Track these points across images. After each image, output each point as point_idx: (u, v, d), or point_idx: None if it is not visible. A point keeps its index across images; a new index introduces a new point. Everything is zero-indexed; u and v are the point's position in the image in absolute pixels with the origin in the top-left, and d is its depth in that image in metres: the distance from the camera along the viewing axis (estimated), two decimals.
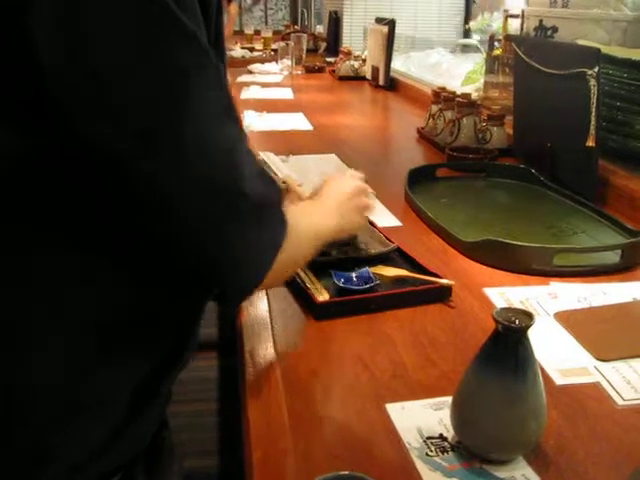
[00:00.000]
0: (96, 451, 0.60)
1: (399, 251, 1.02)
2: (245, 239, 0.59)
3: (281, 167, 1.49)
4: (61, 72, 0.46)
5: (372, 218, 1.07)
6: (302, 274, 0.92)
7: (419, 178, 1.42)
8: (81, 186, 0.52)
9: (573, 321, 0.87)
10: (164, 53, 0.48)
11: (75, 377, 0.57)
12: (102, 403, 0.60)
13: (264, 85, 3.03)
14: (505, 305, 0.88)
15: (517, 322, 0.56)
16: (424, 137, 1.94)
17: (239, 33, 5.25)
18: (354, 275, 0.92)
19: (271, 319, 0.85)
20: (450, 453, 0.60)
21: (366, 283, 0.90)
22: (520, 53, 1.53)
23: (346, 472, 0.53)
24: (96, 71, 0.46)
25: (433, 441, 0.62)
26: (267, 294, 0.90)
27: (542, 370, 0.62)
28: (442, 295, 0.91)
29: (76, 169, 0.51)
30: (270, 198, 0.63)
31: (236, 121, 0.58)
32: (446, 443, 0.61)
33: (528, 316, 0.57)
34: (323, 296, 0.88)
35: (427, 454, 0.60)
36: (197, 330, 0.71)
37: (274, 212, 0.64)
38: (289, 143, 1.86)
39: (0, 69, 0.46)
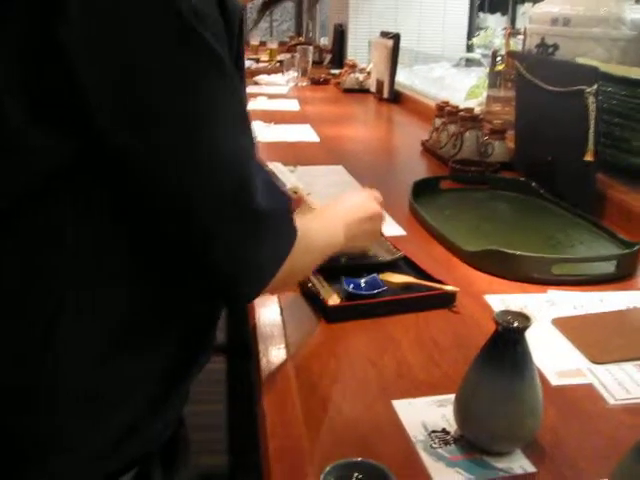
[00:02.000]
0: (115, 444, 0.61)
1: (405, 259, 1.04)
2: (252, 247, 0.60)
3: (289, 177, 1.51)
4: (106, 103, 0.50)
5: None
6: (314, 278, 0.94)
7: (423, 189, 1.43)
8: (114, 191, 0.55)
9: (570, 327, 0.89)
10: (198, 79, 0.53)
11: (97, 369, 0.58)
12: (122, 397, 0.61)
13: (271, 96, 3.07)
14: None
15: (515, 323, 0.60)
16: (428, 150, 1.96)
17: (244, 44, 5.26)
18: (363, 281, 0.94)
19: (283, 321, 0.87)
20: (452, 445, 0.63)
21: (374, 289, 0.92)
22: (522, 69, 1.56)
23: (358, 459, 0.57)
24: (140, 101, 0.51)
25: (437, 434, 0.65)
26: (279, 298, 0.91)
27: (539, 371, 0.65)
28: (446, 301, 0.93)
29: (106, 175, 0.54)
30: (279, 209, 0.64)
31: (250, 134, 0.60)
32: (449, 436, 0.64)
33: (526, 318, 0.61)
34: (334, 300, 0.90)
35: (431, 446, 0.63)
36: (213, 332, 0.73)
37: (283, 222, 0.65)
38: (296, 154, 1.88)
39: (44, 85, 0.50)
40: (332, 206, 0.90)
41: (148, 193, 0.55)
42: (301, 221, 0.68)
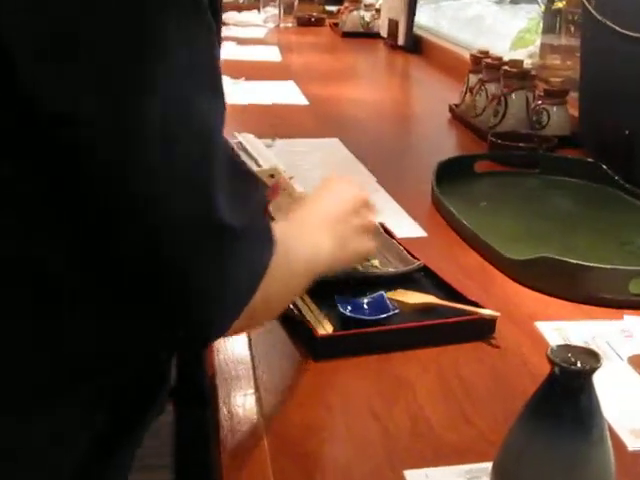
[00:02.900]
0: None
1: (425, 270, 1.04)
2: (215, 264, 0.61)
3: (265, 154, 1.51)
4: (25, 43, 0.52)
5: (389, 226, 1.11)
6: (297, 298, 0.93)
7: (451, 174, 1.43)
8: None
9: None
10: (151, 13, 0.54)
11: (35, 409, 0.62)
12: (58, 442, 0.64)
13: (242, 42, 3.08)
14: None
15: (579, 364, 0.59)
16: (458, 118, 2.00)
17: None
18: (365, 301, 0.94)
19: (253, 357, 0.87)
20: None
21: (381, 312, 0.92)
22: (589, 8, 1.55)
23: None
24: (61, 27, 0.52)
25: None
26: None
27: (610, 429, 0.64)
28: (481, 330, 0.94)
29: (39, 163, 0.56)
30: (253, 213, 0.66)
31: (220, 98, 0.61)
32: None
33: (593, 356, 0.59)
34: (324, 328, 0.89)
35: None
36: (167, 374, 0.76)
37: (257, 232, 0.67)
38: (276, 122, 1.91)
39: None
40: (301, 209, 0.92)
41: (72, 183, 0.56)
42: (279, 232, 0.70)
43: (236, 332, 0.76)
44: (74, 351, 0.63)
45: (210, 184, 0.58)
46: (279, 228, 0.70)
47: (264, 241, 0.67)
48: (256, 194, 0.68)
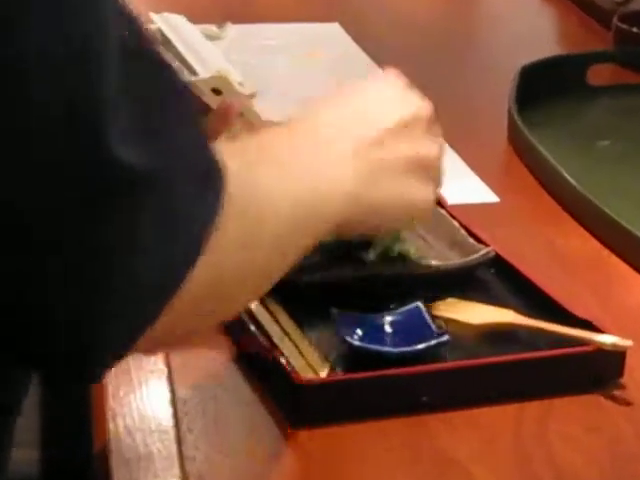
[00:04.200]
0: None
1: (497, 264, 0.86)
2: (112, 247, 0.52)
3: (207, 53, 1.27)
4: None
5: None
6: (263, 314, 0.79)
7: (545, 88, 1.21)
8: None
9: None
10: None
11: None
12: None
13: None
14: None
15: None
16: None
17: None
18: (388, 320, 0.78)
19: (178, 424, 0.70)
20: None
21: (418, 340, 0.75)
22: None
23: None
24: None
25: None
26: (168, 363, 0.75)
27: None
28: (599, 372, 0.76)
29: None
30: (174, 142, 0.56)
31: None
32: None
33: None
34: (313, 370, 0.74)
35: None
36: (6, 450, 0.70)
37: (183, 170, 0.56)
38: None
39: None
40: (316, 114, 0.76)
41: None
42: (241, 159, 0.61)
43: (160, 348, 0.70)
44: None
45: (96, 111, 0.50)
46: (241, 162, 0.61)
47: (203, 189, 0.56)
48: (189, 119, 0.59)
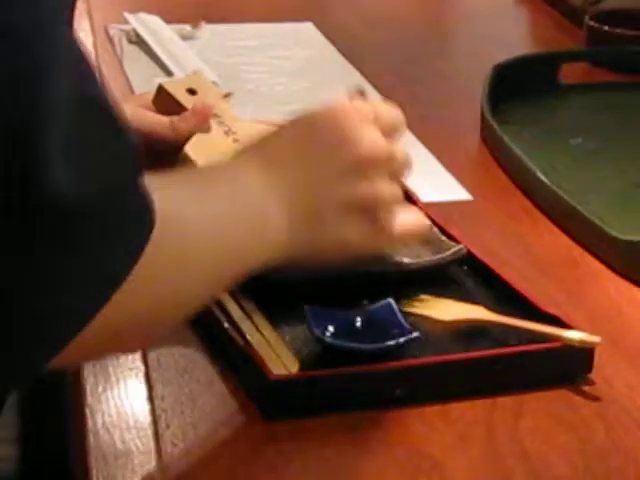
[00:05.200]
0: None
1: (468, 261, 0.87)
2: (29, 263, 0.51)
3: (181, 53, 1.29)
4: None
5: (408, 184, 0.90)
6: (234, 309, 0.79)
7: (519, 86, 1.23)
8: None
9: None
10: None
11: None
12: None
13: None
14: None
15: None
16: None
17: None
18: (360, 317, 0.78)
19: (155, 417, 0.71)
20: None
21: (388, 336, 0.76)
22: None
23: None
24: None
25: None
26: (146, 361, 0.76)
27: None
28: (568, 368, 0.77)
29: None
30: (104, 168, 0.55)
31: None
32: None
33: None
34: (284, 365, 0.75)
35: None
36: None
37: (112, 199, 0.56)
38: None
39: None
40: (239, 152, 0.78)
41: None
42: (169, 193, 0.62)
43: (87, 358, 0.71)
44: None
45: (42, 127, 0.49)
46: (175, 192, 0.64)
47: (131, 218, 0.56)
48: (119, 137, 0.56)
